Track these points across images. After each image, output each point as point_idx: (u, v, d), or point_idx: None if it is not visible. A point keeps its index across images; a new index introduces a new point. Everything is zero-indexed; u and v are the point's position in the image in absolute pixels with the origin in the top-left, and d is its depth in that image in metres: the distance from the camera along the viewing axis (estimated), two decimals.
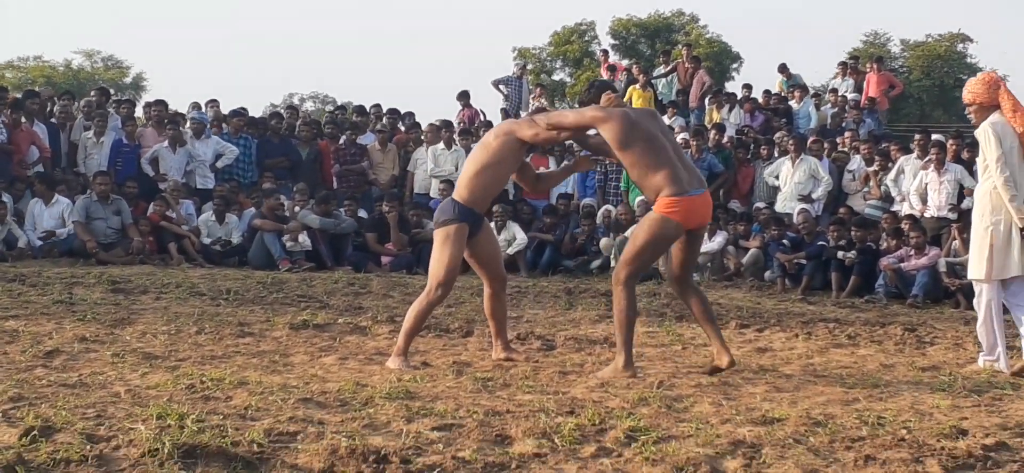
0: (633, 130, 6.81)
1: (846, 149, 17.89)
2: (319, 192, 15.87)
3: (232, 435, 4.79)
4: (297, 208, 15.34)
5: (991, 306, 7.65)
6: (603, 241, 15.45)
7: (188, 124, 17.26)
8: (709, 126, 19.02)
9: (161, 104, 17.74)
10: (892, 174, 15.78)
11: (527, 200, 16.55)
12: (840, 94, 21.61)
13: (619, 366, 6.76)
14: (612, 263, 14.88)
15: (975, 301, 7.93)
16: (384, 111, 19.74)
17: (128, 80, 53.19)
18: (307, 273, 13.57)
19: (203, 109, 18.97)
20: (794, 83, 22.33)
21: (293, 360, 7.33)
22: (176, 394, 5.84)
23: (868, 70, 22.26)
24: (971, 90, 7.81)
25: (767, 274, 14.40)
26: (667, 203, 6.70)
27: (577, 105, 7.04)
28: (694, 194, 6.80)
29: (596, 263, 15.32)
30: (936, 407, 6.00)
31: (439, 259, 7.02)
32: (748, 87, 22.59)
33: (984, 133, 7.59)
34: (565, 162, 14.91)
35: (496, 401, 5.90)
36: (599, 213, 16.25)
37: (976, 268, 7.70)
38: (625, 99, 20.84)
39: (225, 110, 18.44)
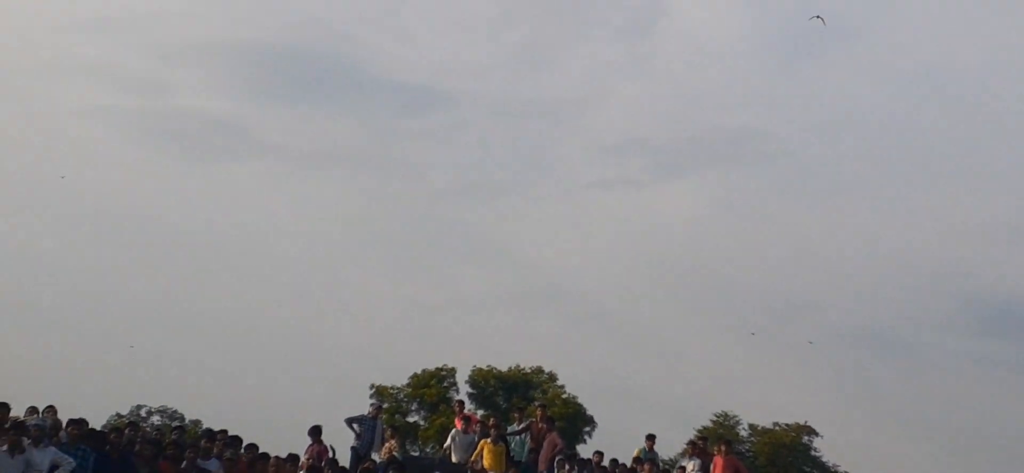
0: None
1: None
2: None
3: None
4: None
5: None
6: None
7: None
8: None
9: (2, 407, 16.97)
10: None
11: None
12: (687, 472, 21.80)
13: None
14: None
15: None
16: (228, 437, 19.25)
17: None
18: None
19: (40, 414, 18.28)
20: (650, 458, 22.45)
21: None
22: None
23: (716, 452, 22.52)
24: None
25: None
26: None
27: None
28: None
29: None
30: None
31: None
32: (599, 454, 22.67)
33: None
34: None
35: None
36: None
37: None
38: (475, 453, 20.81)
39: (63, 417, 17.81)
